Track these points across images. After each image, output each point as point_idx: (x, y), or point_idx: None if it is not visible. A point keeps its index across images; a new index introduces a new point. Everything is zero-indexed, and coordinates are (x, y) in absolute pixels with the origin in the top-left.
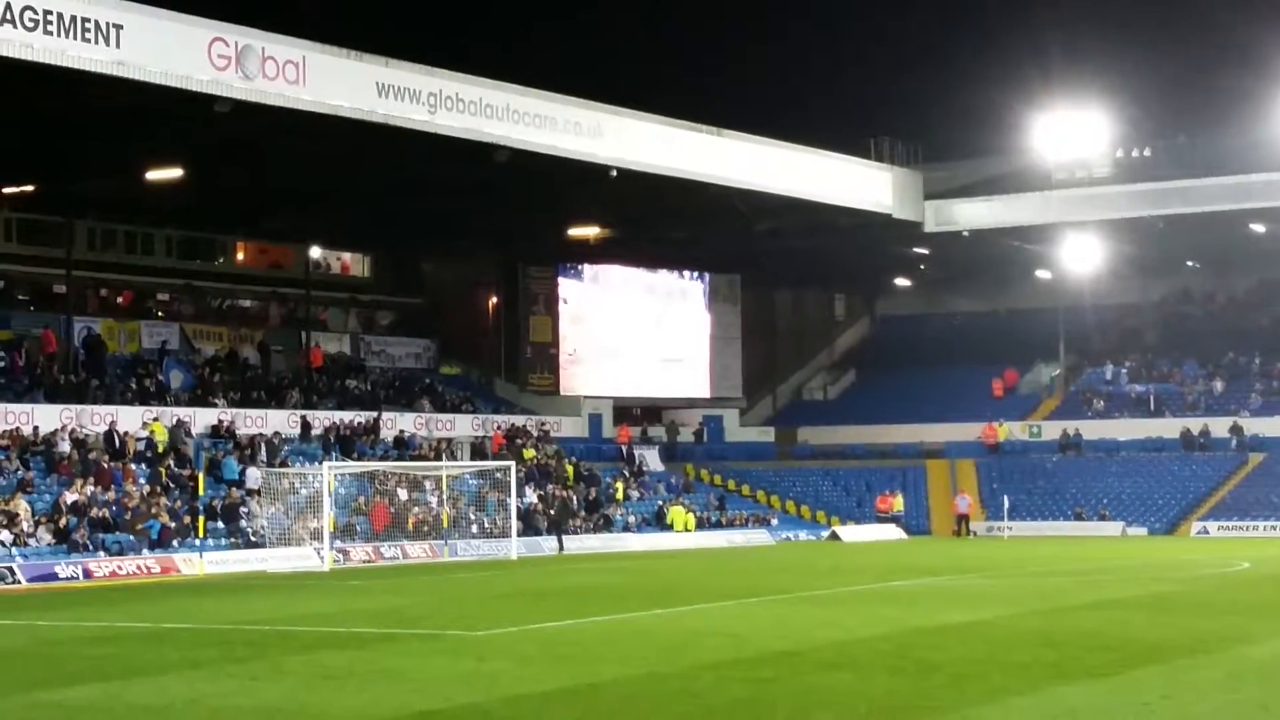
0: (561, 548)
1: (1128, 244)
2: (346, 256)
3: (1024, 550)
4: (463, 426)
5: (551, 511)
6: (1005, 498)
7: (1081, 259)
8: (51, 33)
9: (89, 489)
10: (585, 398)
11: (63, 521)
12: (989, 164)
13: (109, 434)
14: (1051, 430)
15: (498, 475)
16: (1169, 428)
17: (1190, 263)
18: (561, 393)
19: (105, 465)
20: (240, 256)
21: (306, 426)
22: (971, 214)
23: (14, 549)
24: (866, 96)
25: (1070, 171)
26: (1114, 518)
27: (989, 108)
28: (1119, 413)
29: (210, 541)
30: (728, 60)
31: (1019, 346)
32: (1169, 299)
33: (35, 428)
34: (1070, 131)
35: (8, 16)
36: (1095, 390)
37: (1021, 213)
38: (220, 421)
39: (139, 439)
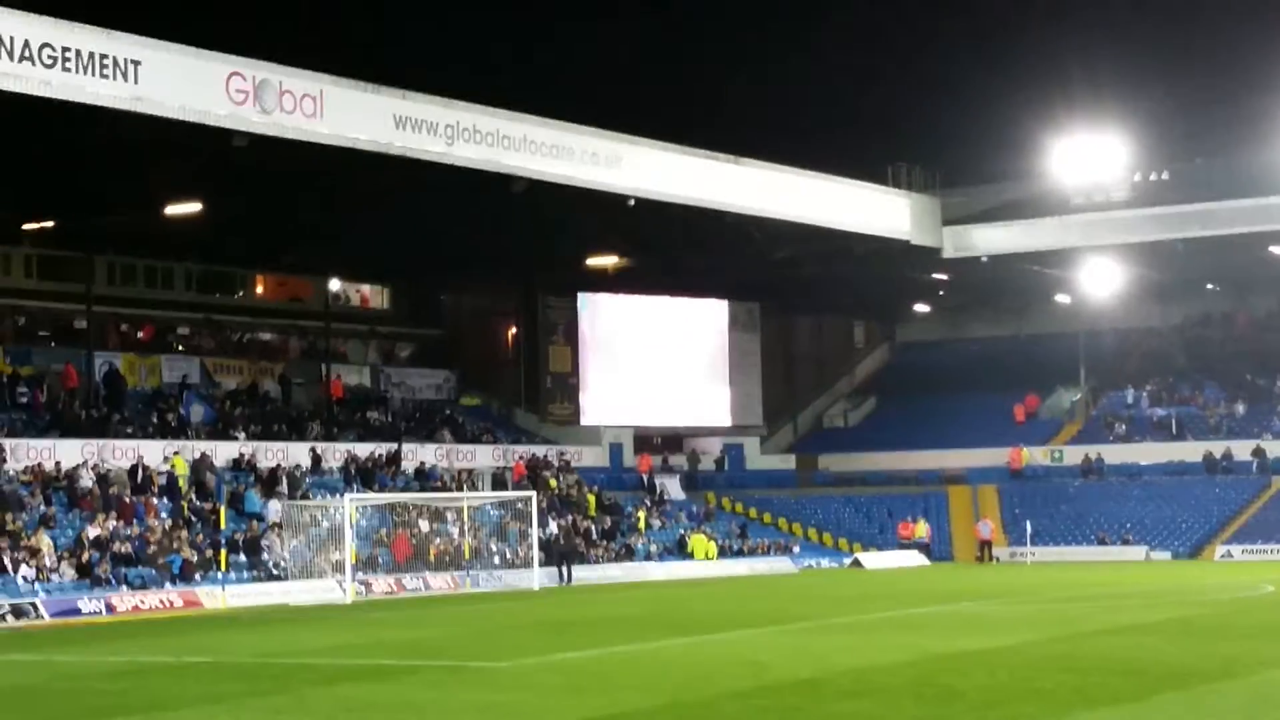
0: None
1: (1147, 267)
2: (366, 288)
3: (1047, 576)
4: (483, 457)
5: (561, 541)
6: (1028, 523)
7: (1101, 283)
8: (70, 69)
9: (111, 524)
10: (606, 427)
11: (85, 556)
12: (1007, 189)
13: (131, 469)
14: (1073, 455)
15: (519, 506)
16: (1191, 451)
17: (1210, 285)
18: (582, 422)
19: (127, 500)
20: (260, 290)
21: (317, 460)
22: (990, 239)
23: (36, 584)
24: (883, 123)
25: (1088, 195)
26: (1137, 542)
27: (1006, 133)
28: (1141, 437)
29: (232, 575)
30: (744, 88)
31: (1039, 371)
32: (1189, 322)
33: (57, 463)
34: (1088, 155)
35: (26, 54)
36: (1117, 414)
37: (1040, 237)
38: (241, 455)
39: (160, 473)
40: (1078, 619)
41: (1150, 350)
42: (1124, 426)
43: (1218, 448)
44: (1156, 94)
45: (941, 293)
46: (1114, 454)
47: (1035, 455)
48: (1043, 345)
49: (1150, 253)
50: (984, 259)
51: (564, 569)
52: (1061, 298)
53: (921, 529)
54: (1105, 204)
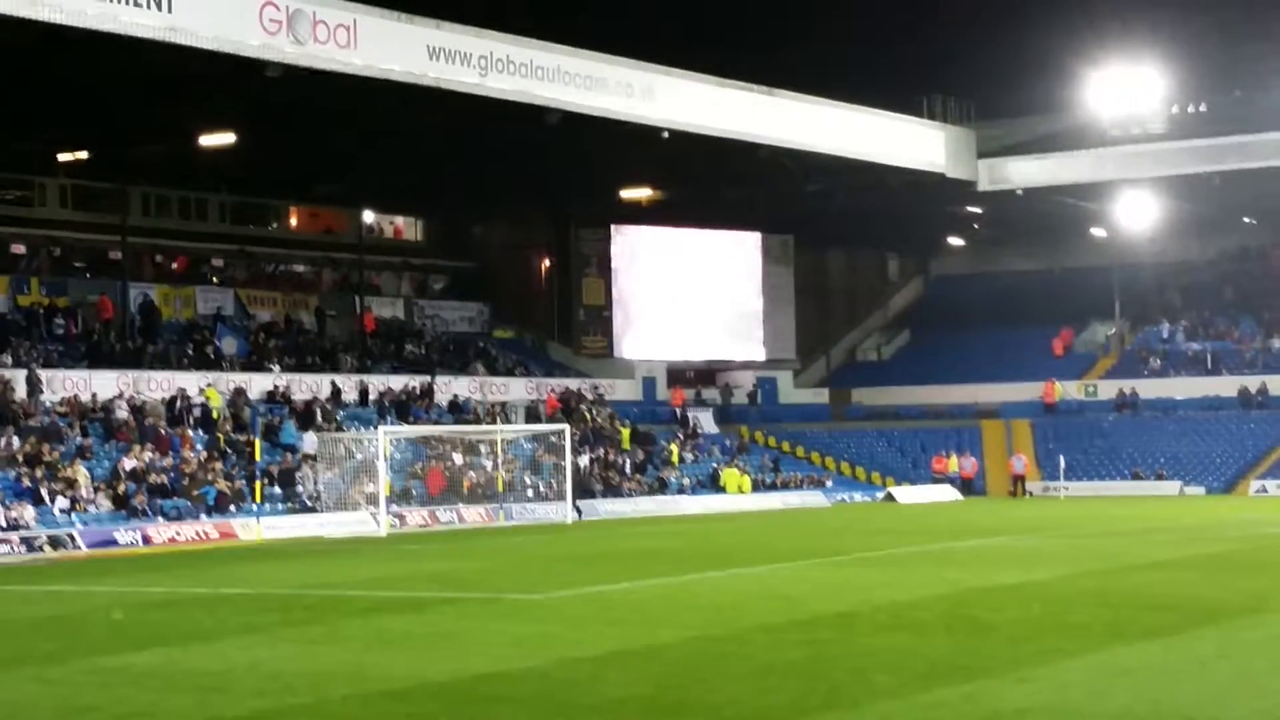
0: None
1: (1183, 201)
2: (399, 221)
3: (1080, 510)
4: (516, 390)
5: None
6: (1061, 458)
7: (1136, 217)
8: None
9: (147, 455)
10: (639, 360)
11: (121, 488)
12: (1042, 121)
13: (167, 400)
14: (1108, 389)
15: (552, 439)
16: (1226, 386)
17: (1247, 219)
18: (615, 356)
19: (163, 431)
20: (293, 222)
21: (364, 392)
22: (1025, 172)
23: (73, 515)
24: (918, 55)
25: (1125, 128)
26: (1171, 477)
27: (1042, 65)
28: (1175, 371)
29: (267, 507)
30: (779, 19)
31: (1074, 305)
32: (1225, 256)
33: (93, 394)
34: (1124, 88)
35: None
36: (1151, 349)
37: (1076, 170)
38: (275, 387)
39: (195, 404)
40: (1111, 554)
41: (1186, 284)
42: (1159, 361)
43: (1253, 382)
44: (1194, 25)
45: (976, 226)
46: (1148, 389)
47: (1069, 390)
48: (1077, 279)
49: (1186, 186)
50: (1019, 192)
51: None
52: (1097, 231)
53: (954, 463)
54: (1141, 136)
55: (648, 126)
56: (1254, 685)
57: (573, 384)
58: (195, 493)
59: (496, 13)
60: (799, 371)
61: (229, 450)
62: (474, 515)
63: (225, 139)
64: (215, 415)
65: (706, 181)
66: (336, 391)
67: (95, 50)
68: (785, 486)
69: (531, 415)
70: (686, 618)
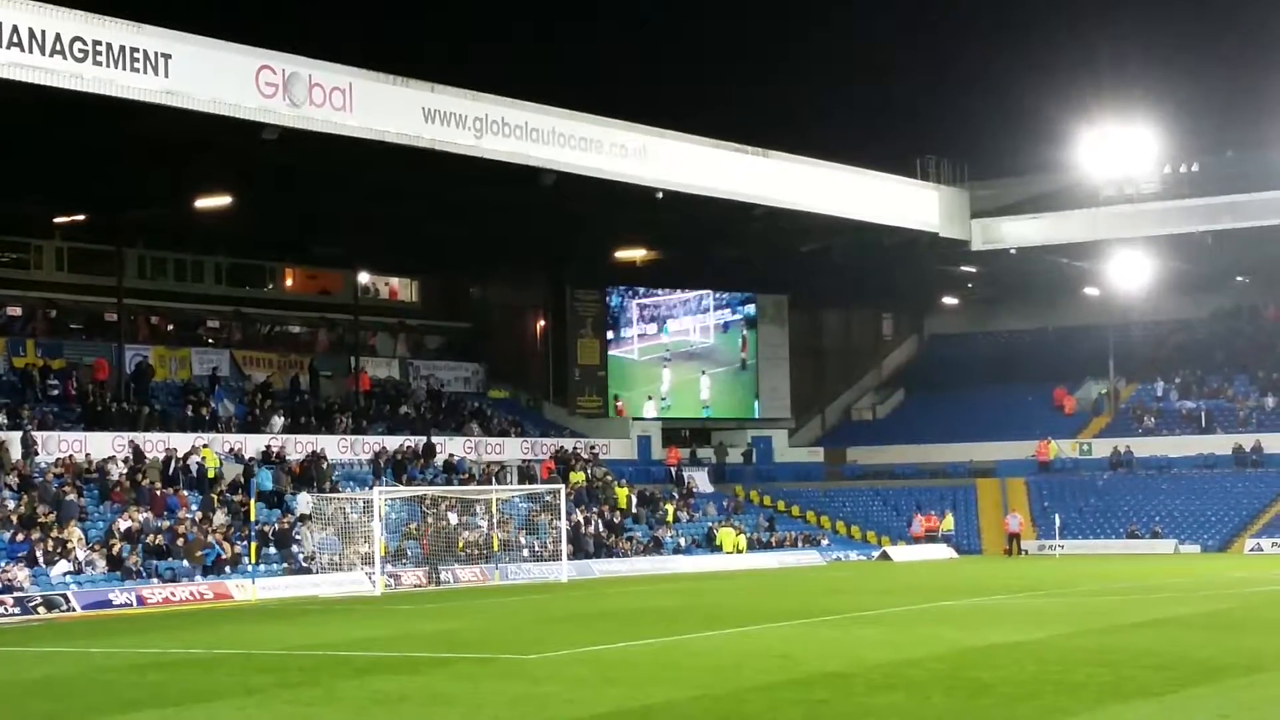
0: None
1: (1176, 260)
2: (394, 281)
3: (1076, 569)
4: (511, 450)
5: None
6: (1057, 516)
7: (1130, 276)
8: (101, 63)
9: (142, 516)
10: (634, 420)
11: (116, 548)
12: (1036, 181)
13: (162, 461)
14: (1102, 448)
15: (547, 498)
16: (1221, 444)
17: (1240, 278)
18: (610, 415)
19: (158, 492)
20: (289, 283)
21: (356, 451)
22: (1019, 232)
23: (68, 576)
24: (912, 115)
25: (1118, 188)
26: (1166, 535)
27: (1035, 125)
28: (1170, 429)
29: (263, 567)
30: (772, 81)
31: (1068, 364)
32: (1218, 314)
33: (88, 455)
34: (1117, 148)
35: (57, 48)
36: (1146, 407)
37: (1069, 230)
38: (270, 447)
39: (191, 465)
40: (1108, 612)
41: (1179, 343)
42: (1153, 419)
43: (1247, 440)
44: (1186, 86)
45: (970, 285)
46: (1143, 447)
47: (1064, 448)
48: (1071, 338)
49: (1179, 245)
50: (1013, 251)
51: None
52: (1090, 290)
53: (948, 522)
54: (1135, 196)
55: (642, 187)
56: None
57: (568, 443)
58: (197, 554)
59: (491, 75)
60: (794, 430)
61: (224, 511)
62: (469, 575)
63: (221, 201)
64: (211, 475)
65: (701, 242)
66: (333, 452)
67: (92, 113)
68: (781, 545)
69: (526, 475)
70: (683, 678)
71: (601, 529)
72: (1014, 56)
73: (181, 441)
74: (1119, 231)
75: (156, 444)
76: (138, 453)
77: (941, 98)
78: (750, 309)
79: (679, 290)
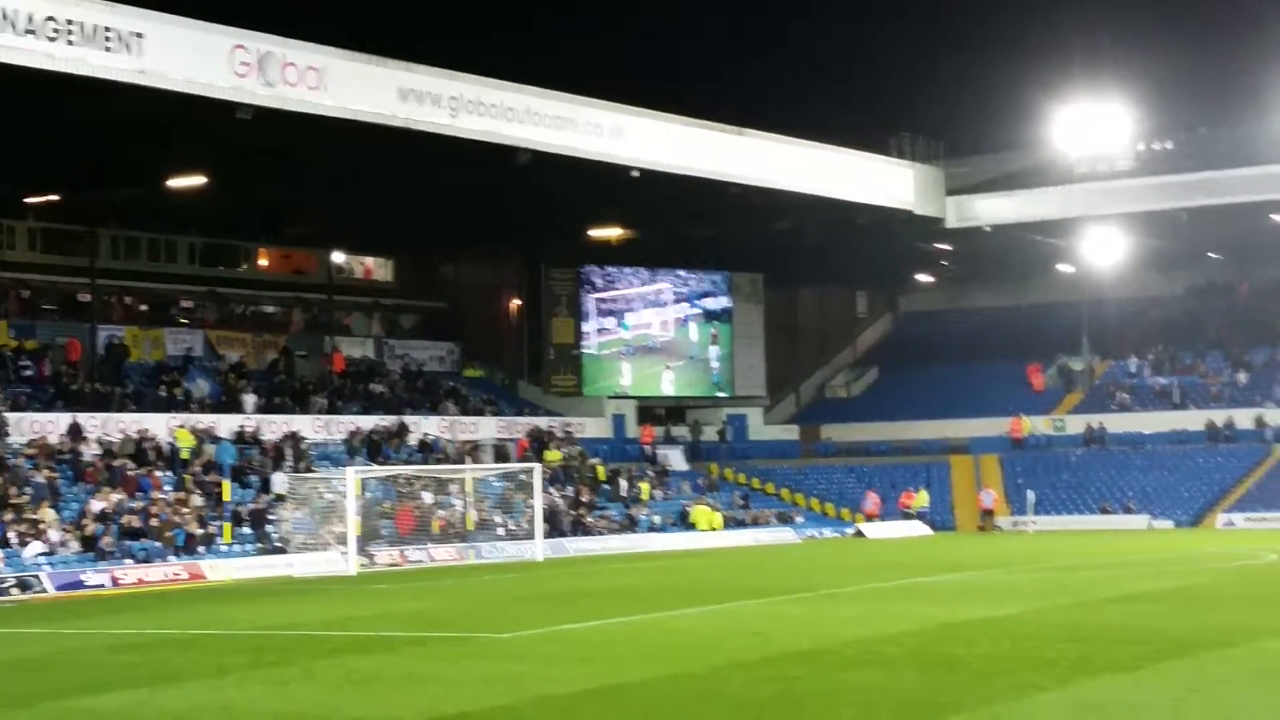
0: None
1: (1150, 237)
2: (369, 261)
3: (1049, 545)
4: (487, 429)
5: None
6: (1030, 492)
7: (1103, 252)
8: (73, 42)
9: (115, 497)
10: (608, 398)
11: (89, 529)
12: (1010, 159)
13: (135, 441)
14: (1076, 424)
15: (522, 477)
16: (1193, 420)
17: (1212, 254)
18: (584, 394)
19: (131, 473)
20: (263, 262)
21: (331, 431)
22: (993, 209)
23: (41, 557)
24: (886, 93)
25: (1091, 165)
26: (1139, 511)
27: (1009, 102)
28: (1143, 406)
29: (237, 547)
30: (747, 59)
31: (1042, 341)
32: (1192, 291)
33: (61, 436)
34: (1091, 125)
35: (30, 27)
36: (1119, 384)
37: (1043, 207)
38: (244, 427)
39: (165, 445)
40: (1080, 588)
41: (1153, 319)
42: (1126, 396)
43: (1220, 416)
44: (1159, 63)
45: (944, 263)
46: (1116, 423)
47: (1038, 425)
48: (1045, 315)
49: (1153, 222)
50: (987, 229)
51: None
52: (1064, 267)
53: (923, 498)
54: (1108, 173)
55: (617, 166)
56: None
57: (542, 422)
58: (165, 534)
59: (467, 54)
60: (769, 408)
61: (198, 491)
62: (444, 554)
63: (195, 181)
64: (185, 456)
65: (675, 220)
66: (307, 431)
67: (65, 93)
68: (755, 523)
69: (501, 455)
70: (659, 656)
71: (577, 507)
72: (988, 34)
73: (156, 422)
74: (1093, 208)
75: (130, 424)
76: (110, 433)
77: (916, 75)
78: (709, 302)
79: (650, 270)
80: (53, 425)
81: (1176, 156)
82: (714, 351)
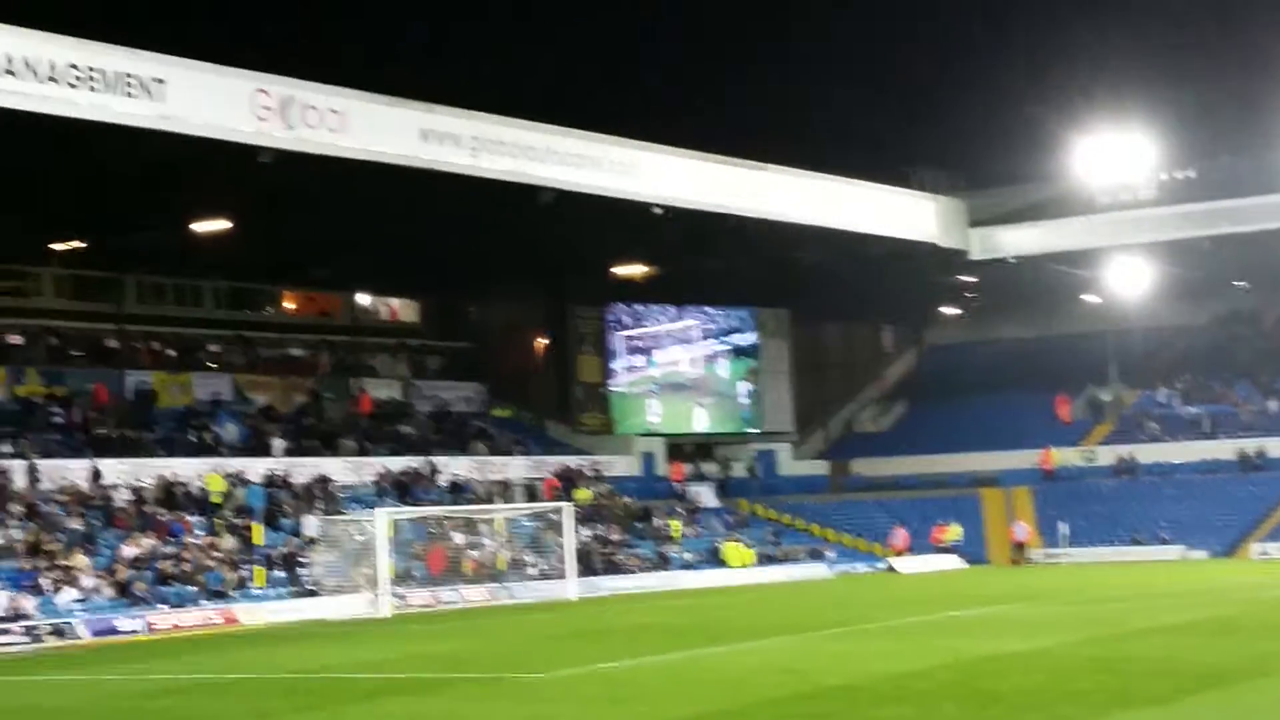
0: None
1: (1175, 266)
2: (395, 302)
3: (1082, 577)
4: (516, 469)
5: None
6: (1062, 524)
7: (1129, 282)
8: (95, 89)
9: (147, 542)
10: (637, 436)
11: (122, 575)
12: (1033, 190)
13: (166, 486)
14: (1106, 455)
15: (552, 516)
16: (1224, 449)
17: (1238, 283)
18: (613, 432)
19: (163, 518)
20: (289, 305)
21: (361, 473)
22: (1017, 240)
23: (75, 604)
24: (908, 126)
25: (1115, 195)
26: (1173, 541)
27: (1032, 133)
28: (1173, 436)
29: (270, 590)
30: (768, 93)
31: (1069, 372)
32: (1218, 320)
33: (93, 483)
34: (1114, 155)
35: (52, 75)
36: (1149, 414)
37: (1067, 237)
38: (274, 471)
39: (195, 490)
40: (1114, 620)
41: (1180, 349)
42: (1156, 426)
43: (1251, 445)
44: (1182, 92)
45: (969, 295)
46: (1147, 453)
47: (1068, 456)
48: (1072, 346)
49: (1178, 251)
50: (1011, 260)
51: None
52: (1090, 297)
53: (955, 531)
54: (1132, 203)
55: (640, 203)
56: None
57: (572, 461)
58: (199, 579)
59: (487, 94)
60: (797, 444)
61: (230, 535)
62: (477, 594)
63: (219, 225)
64: (216, 500)
65: (699, 257)
66: (337, 474)
67: (88, 140)
68: (787, 559)
69: (531, 494)
70: (692, 694)
71: (608, 545)
72: (1009, 65)
73: (185, 467)
74: (1117, 238)
75: (161, 470)
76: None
77: (937, 108)
78: (737, 338)
79: (677, 308)
80: (84, 472)
81: (1199, 185)
82: (743, 388)
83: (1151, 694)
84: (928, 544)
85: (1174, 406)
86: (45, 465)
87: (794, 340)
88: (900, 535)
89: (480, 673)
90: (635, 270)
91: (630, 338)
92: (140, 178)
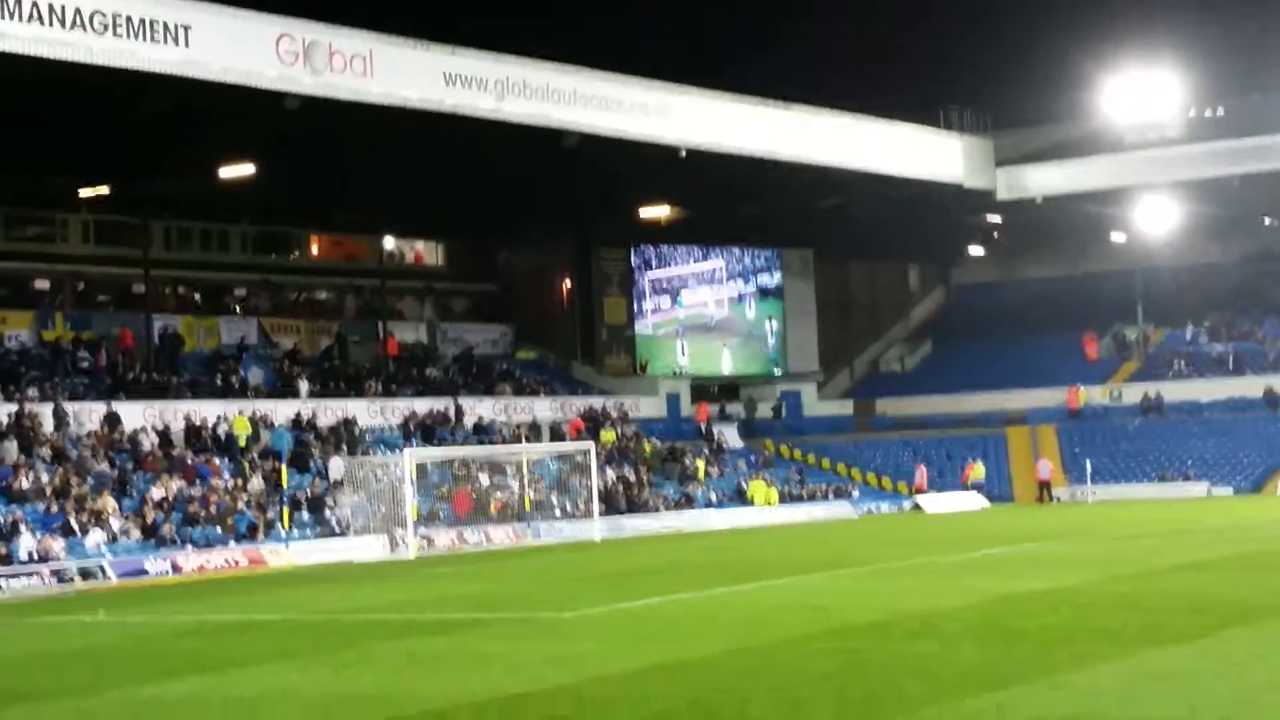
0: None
1: (1203, 204)
2: (420, 245)
3: (1108, 514)
4: (541, 410)
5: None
6: (1088, 462)
7: (1157, 221)
8: (121, 35)
9: (174, 485)
10: (662, 377)
11: (150, 517)
12: (1060, 129)
13: (193, 429)
14: (1132, 393)
15: (578, 458)
16: (1251, 386)
17: (1267, 220)
18: (638, 373)
19: (190, 461)
20: (315, 250)
21: (386, 416)
22: (1044, 180)
23: (103, 546)
24: (934, 65)
25: (1143, 133)
26: (1198, 479)
27: (1058, 71)
28: (1200, 373)
29: (296, 532)
30: (793, 32)
31: (1096, 311)
32: (1247, 258)
33: (119, 426)
34: (1141, 92)
35: (77, 21)
36: (1175, 351)
37: (1095, 176)
38: (300, 413)
39: (222, 433)
40: (1140, 557)
41: (1208, 287)
42: (1183, 363)
43: (1277, 382)
44: (1210, 28)
45: (996, 234)
46: (1173, 391)
47: (1094, 394)
48: (1099, 285)
49: (1206, 189)
50: (1038, 200)
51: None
52: (1117, 236)
53: (979, 470)
54: (1160, 141)
55: (664, 145)
56: None
57: (597, 402)
58: (227, 521)
59: (511, 37)
60: (822, 384)
61: (256, 477)
62: (502, 536)
63: (245, 170)
64: (243, 443)
65: (725, 198)
66: (363, 416)
67: (114, 86)
68: (812, 498)
69: (556, 435)
70: (718, 631)
71: (633, 486)
72: (1036, 3)
73: (212, 410)
74: (1145, 177)
75: (187, 413)
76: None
77: (964, 46)
78: (764, 278)
79: (703, 249)
80: (110, 415)
81: (1228, 122)
82: (770, 327)
83: (1179, 630)
84: (953, 483)
85: (1201, 344)
86: (72, 408)
87: (819, 280)
88: (919, 473)
89: (506, 612)
90: (660, 212)
91: (655, 279)
92: (166, 123)
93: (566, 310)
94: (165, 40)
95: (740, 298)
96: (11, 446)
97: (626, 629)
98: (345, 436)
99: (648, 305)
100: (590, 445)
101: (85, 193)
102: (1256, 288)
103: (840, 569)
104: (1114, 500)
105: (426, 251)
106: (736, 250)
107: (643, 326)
